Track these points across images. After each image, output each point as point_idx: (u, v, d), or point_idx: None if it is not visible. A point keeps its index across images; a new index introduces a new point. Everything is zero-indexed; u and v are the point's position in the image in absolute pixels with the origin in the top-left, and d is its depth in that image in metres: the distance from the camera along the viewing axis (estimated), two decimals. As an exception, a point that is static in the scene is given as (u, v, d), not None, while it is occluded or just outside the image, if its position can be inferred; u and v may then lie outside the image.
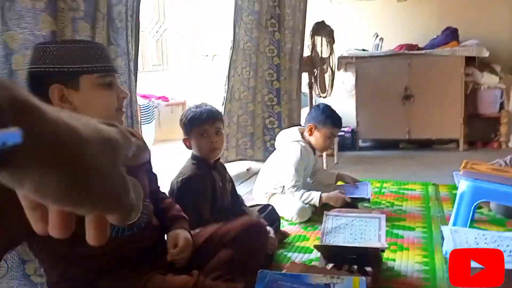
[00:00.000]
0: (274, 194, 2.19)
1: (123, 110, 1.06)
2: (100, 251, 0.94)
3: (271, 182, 2.21)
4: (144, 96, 4.49)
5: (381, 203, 2.27)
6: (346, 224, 1.47)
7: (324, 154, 3.31)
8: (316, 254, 1.60)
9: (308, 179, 2.35)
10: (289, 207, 2.05)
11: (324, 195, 2.05)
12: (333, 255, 1.34)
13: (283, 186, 2.16)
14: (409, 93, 3.93)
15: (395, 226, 1.88)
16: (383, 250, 1.42)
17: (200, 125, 1.55)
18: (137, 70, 1.59)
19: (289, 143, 2.20)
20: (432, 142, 4.08)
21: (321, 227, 1.89)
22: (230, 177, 1.76)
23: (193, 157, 1.61)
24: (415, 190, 2.53)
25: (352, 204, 2.02)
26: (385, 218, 1.47)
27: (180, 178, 1.52)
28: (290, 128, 2.38)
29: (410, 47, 4.00)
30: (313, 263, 1.53)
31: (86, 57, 0.97)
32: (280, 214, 1.91)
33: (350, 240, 1.40)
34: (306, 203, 2.06)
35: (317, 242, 1.71)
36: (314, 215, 2.09)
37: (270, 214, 1.77)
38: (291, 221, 2.04)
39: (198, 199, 1.50)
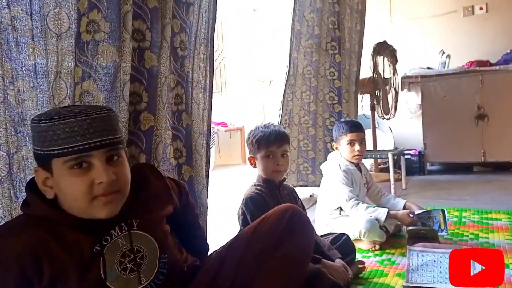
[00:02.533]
0: (335, 218, 2.08)
1: (105, 197, 0.87)
2: None
3: (326, 210, 2.12)
4: (204, 123, 4.57)
5: (464, 235, 2.06)
6: (434, 261, 1.33)
7: (392, 179, 3.13)
8: (399, 293, 1.45)
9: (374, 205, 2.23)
10: (354, 223, 1.93)
11: (392, 212, 1.98)
12: (422, 298, 1.21)
13: (339, 208, 2.07)
14: (482, 113, 3.65)
15: (485, 262, 1.68)
16: (480, 293, 1.26)
17: (267, 146, 1.54)
18: (211, 98, 1.60)
19: (330, 166, 2.19)
20: (511, 165, 3.73)
21: (398, 260, 1.78)
22: (302, 203, 1.68)
23: (258, 177, 1.61)
24: (500, 219, 2.28)
25: (433, 237, 1.84)
26: (479, 255, 1.30)
27: (244, 199, 1.53)
28: (330, 154, 2.34)
29: (482, 63, 3.75)
30: (395, 303, 1.40)
31: (61, 137, 0.84)
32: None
33: (440, 280, 1.26)
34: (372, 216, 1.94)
35: (398, 279, 1.57)
36: (389, 247, 1.94)
37: (344, 244, 1.65)
38: (361, 238, 1.91)
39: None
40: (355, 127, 2.14)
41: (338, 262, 1.50)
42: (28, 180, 1.03)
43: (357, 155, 2.13)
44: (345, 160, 2.15)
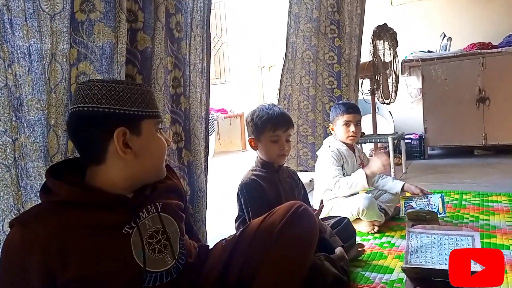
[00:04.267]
0: (331, 199, 2.08)
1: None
2: None
3: (321, 191, 2.14)
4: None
5: (464, 217, 2.06)
6: (434, 243, 1.33)
7: (392, 163, 3.13)
8: (398, 274, 1.46)
9: (372, 188, 2.25)
10: (351, 202, 1.94)
11: (366, 170, 1.96)
12: (422, 278, 1.21)
13: (331, 190, 2.08)
14: (484, 96, 3.63)
15: (485, 244, 1.68)
16: (480, 273, 1.26)
17: (273, 130, 1.49)
18: (209, 81, 1.58)
19: (322, 150, 2.21)
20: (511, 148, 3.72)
21: (398, 243, 1.79)
22: (303, 187, 1.67)
23: (256, 161, 1.57)
24: (501, 202, 2.28)
25: (432, 219, 1.84)
26: (479, 235, 1.30)
27: (240, 184, 1.51)
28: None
29: (483, 45, 3.70)
30: (395, 284, 1.40)
31: (145, 101, 0.93)
32: (348, 216, 1.81)
33: (439, 261, 1.26)
34: (357, 190, 1.98)
35: (397, 261, 1.58)
36: (388, 230, 1.94)
37: (345, 229, 1.65)
38: (361, 216, 1.92)
39: (256, 202, 1.46)
40: (352, 109, 2.16)
41: (338, 250, 1.49)
42: (28, 167, 1.02)
43: (351, 136, 2.14)
44: (338, 142, 2.17)
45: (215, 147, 5.01)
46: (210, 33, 1.58)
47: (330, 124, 2.26)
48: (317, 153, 2.34)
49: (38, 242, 0.81)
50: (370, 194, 1.99)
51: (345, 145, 2.16)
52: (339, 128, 2.15)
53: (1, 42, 0.95)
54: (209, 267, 1.09)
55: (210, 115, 4.61)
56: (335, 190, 2.02)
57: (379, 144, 4.04)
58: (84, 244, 0.85)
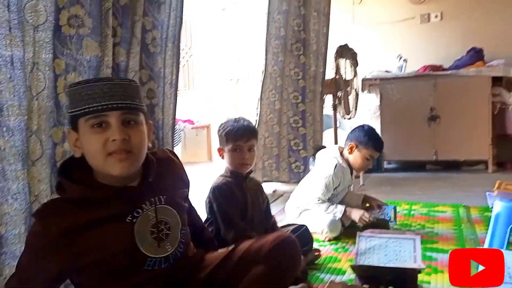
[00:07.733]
0: (306, 209, 2.20)
1: (119, 154, 0.95)
2: (135, 284, 1.01)
3: (305, 197, 2.22)
4: (171, 119, 4.59)
5: (411, 226, 2.25)
6: (380, 245, 1.48)
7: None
8: (349, 275, 1.59)
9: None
10: (320, 220, 2.07)
11: (349, 209, 2.12)
12: (369, 276, 1.35)
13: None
14: (435, 114, 3.92)
15: (428, 249, 1.85)
16: (420, 271, 1.41)
17: (234, 140, 1.62)
18: (176, 94, 1.67)
19: (326, 159, 2.24)
20: (460, 163, 4.03)
21: (351, 248, 1.93)
22: (267, 197, 1.79)
23: (226, 169, 1.69)
24: (445, 212, 2.49)
25: (383, 225, 2.01)
26: (420, 239, 1.47)
27: (211, 187, 1.62)
28: (330, 146, 2.43)
29: (435, 68, 4.01)
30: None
31: (82, 98, 0.94)
32: (311, 229, 1.92)
33: (384, 261, 1.41)
34: (330, 215, 2.09)
35: (350, 263, 1.72)
36: (344, 237, 2.09)
37: (303, 235, 1.78)
38: (321, 234, 2.06)
39: (228, 206, 1.57)
40: (381, 148, 2.21)
41: None
42: (5, 170, 1.08)
43: (365, 168, 2.28)
44: (344, 162, 2.20)
45: (181, 157, 5.04)
46: (180, 48, 1.69)
47: (350, 142, 2.20)
48: (317, 155, 2.36)
49: (55, 234, 0.93)
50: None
51: (348, 167, 2.21)
52: (360, 157, 2.16)
53: (-15, 51, 1.02)
54: (203, 266, 1.18)
55: (177, 125, 4.65)
56: (314, 207, 2.14)
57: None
58: (93, 234, 0.96)
